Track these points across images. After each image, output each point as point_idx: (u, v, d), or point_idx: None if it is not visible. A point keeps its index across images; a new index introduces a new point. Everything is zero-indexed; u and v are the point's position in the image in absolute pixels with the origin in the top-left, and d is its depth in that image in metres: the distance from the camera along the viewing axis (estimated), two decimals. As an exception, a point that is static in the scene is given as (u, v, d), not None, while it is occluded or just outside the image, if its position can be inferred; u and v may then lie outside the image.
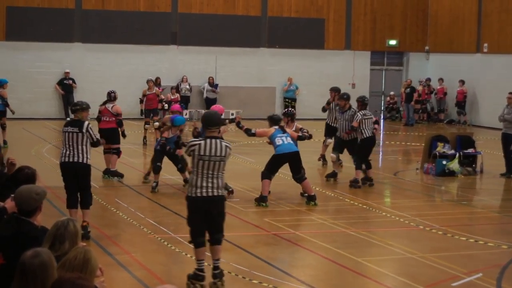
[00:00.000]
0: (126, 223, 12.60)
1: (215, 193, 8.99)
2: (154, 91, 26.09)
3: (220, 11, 32.28)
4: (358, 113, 16.17)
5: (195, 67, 31.84)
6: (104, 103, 16.68)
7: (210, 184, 8.97)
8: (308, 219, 13.33)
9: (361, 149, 16.30)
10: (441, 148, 18.67)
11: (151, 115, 22.88)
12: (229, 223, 12.77)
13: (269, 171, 14.12)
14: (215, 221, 9.13)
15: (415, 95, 33.05)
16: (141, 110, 23.20)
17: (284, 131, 14.15)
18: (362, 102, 16.43)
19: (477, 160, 18.96)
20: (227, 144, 9.10)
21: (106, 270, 6.27)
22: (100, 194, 14.05)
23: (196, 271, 9.12)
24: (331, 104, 18.20)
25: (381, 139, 27.05)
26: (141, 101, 23.18)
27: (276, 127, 14.16)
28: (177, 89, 30.65)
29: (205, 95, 31.95)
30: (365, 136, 16.11)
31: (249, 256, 10.72)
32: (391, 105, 34.86)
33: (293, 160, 14.07)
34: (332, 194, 15.55)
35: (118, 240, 11.48)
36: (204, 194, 8.95)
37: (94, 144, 11.53)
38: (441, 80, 33.37)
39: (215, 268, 9.15)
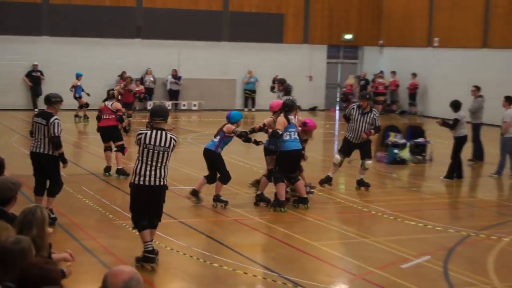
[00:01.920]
0: (92, 210, 12.76)
1: (156, 183, 9.31)
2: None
3: (183, 6, 32.52)
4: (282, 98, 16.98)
5: (159, 60, 32.05)
6: (104, 100, 16.41)
7: (152, 173, 9.28)
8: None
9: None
10: (393, 137, 19.23)
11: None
12: (192, 210, 13.01)
13: (281, 172, 13.02)
14: (153, 207, 9.50)
15: (378, 87, 33.73)
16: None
17: (293, 124, 13.07)
18: (286, 89, 16.60)
19: (427, 149, 19.57)
20: (173, 136, 9.40)
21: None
22: (68, 182, 13.66)
23: (144, 253, 9.50)
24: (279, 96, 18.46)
25: (336, 130, 27.70)
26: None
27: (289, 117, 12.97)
28: (141, 81, 31.00)
29: (168, 87, 32.43)
30: None
31: (210, 241, 10.97)
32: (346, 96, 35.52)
33: (298, 158, 13.25)
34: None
35: (84, 226, 11.60)
36: (147, 183, 9.27)
37: (52, 139, 11.31)
38: (393, 73, 34.13)
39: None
